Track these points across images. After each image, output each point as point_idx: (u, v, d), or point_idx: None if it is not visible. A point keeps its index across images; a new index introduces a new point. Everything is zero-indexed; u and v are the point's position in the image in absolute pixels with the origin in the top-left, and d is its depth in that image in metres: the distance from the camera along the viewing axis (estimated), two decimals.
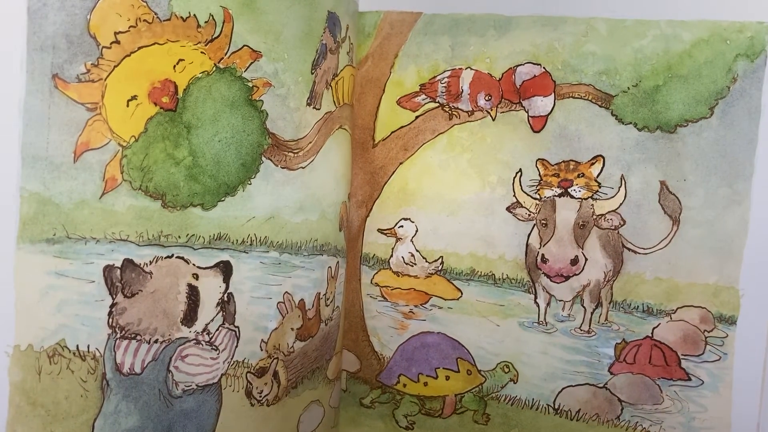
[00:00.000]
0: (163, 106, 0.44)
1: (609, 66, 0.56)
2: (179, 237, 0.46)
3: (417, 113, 0.59)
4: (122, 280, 0.44)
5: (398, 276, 0.60)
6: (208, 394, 0.48)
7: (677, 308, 0.56)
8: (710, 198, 0.55)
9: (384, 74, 0.60)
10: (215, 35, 0.46)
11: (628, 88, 0.56)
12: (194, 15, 0.45)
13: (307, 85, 0.51)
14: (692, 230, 0.55)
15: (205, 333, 0.47)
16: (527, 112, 0.58)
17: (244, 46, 0.47)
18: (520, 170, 0.58)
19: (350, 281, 0.61)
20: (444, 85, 0.59)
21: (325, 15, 0.52)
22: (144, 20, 0.43)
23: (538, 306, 0.58)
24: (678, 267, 0.56)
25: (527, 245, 0.58)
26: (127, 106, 0.43)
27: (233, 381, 0.49)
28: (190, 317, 0.46)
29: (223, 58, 0.46)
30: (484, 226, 0.59)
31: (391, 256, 0.60)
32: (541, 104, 0.57)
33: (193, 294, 0.46)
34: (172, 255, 0.45)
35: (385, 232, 0.60)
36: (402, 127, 0.60)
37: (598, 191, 0.57)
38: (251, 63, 0.47)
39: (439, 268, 0.60)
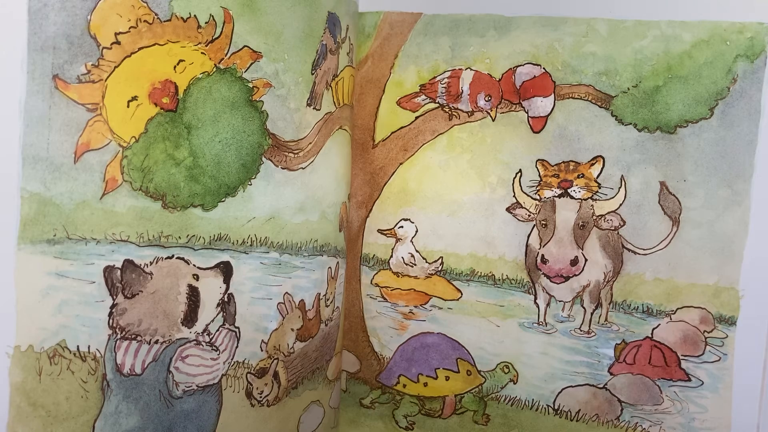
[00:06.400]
0: (164, 106, 0.44)
1: (609, 66, 0.56)
2: (179, 238, 0.46)
3: (417, 114, 0.59)
4: (123, 280, 0.44)
5: (398, 276, 0.60)
6: (208, 394, 0.48)
7: (677, 309, 0.56)
8: (710, 198, 0.55)
9: (384, 75, 0.60)
10: (216, 36, 0.46)
11: (628, 88, 0.56)
12: (195, 15, 0.45)
13: (307, 86, 0.51)
14: (692, 231, 0.55)
15: (205, 334, 0.47)
16: (527, 112, 0.58)
17: (245, 46, 0.47)
18: (520, 171, 0.58)
19: (350, 282, 0.61)
20: (444, 85, 0.59)
21: (325, 15, 0.52)
22: (144, 21, 0.43)
23: (538, 306, 0.58)
24: (678, 268, 0.56)
25: (527, 246, 0.58)
26: (128, 106, 0.43)
27: (233, 381, 0.49)
28: (190, 318, 0.46)
29: (223, 58, 0.46)
30: (484, 226, 0.59)
31: (391, 256, 0.60)
32: (541, 105, 0.57)
33: (194, 295, 0.46)
34: (173, 256, 0.45)
35: (384, 232, 0.60)
36: (402, 127, 0.60)
37: (598, 192, 0.57)
38: (251, 63, 0.47)
39: (439, 269, 0.60)
